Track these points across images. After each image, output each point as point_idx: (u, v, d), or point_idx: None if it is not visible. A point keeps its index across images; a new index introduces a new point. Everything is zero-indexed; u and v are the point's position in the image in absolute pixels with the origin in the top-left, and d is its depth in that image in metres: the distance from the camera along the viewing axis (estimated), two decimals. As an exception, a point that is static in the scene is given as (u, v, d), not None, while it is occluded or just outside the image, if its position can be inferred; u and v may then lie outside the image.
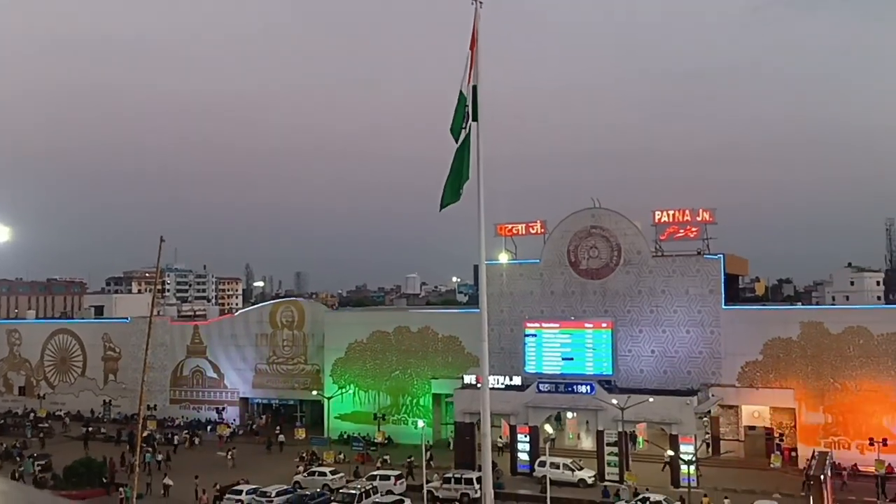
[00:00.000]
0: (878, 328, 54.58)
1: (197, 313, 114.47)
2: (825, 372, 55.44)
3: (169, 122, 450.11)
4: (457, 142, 15.10)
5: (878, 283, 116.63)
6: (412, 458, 54.71)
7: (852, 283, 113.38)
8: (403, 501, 46.02)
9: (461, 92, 15.06)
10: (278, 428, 70.06)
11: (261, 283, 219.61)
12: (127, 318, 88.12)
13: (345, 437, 67.38)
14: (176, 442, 66.92)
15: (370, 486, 48.51)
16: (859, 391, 54.35)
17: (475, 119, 15.07)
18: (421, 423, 54.10)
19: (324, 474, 52.98)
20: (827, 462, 42.89)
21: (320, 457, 59.72)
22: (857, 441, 53.56)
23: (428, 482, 47.65)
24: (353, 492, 46.95)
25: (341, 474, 53.46)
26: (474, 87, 15.11)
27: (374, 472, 52.73)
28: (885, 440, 51.31)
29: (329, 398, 68.47)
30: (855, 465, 52.30)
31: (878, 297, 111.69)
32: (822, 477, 38.86)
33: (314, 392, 71.13)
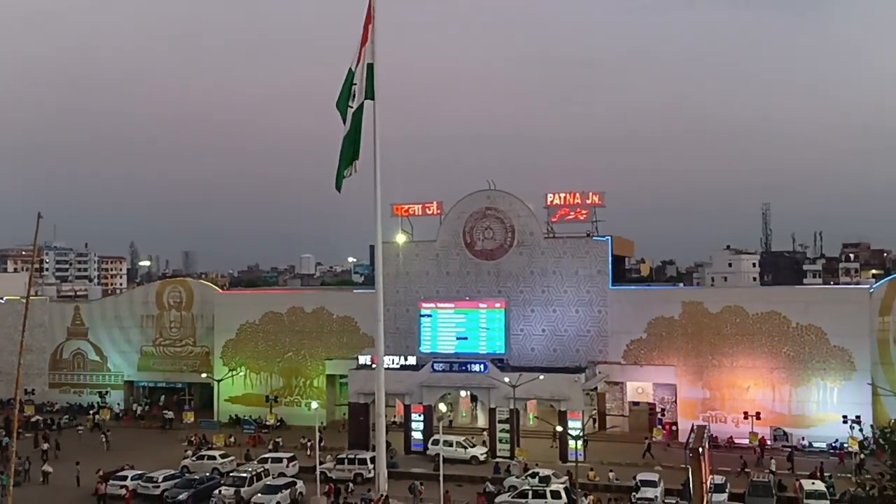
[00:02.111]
0: (753, 307, 57.70)
1: (78, 293, 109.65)
2: (704, 349, 58.24)
3: (49, 91, 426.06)
4: (344, 120, 15.01)
5: (753, 264, 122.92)
6: (306, 439, 54.53)
7: (730, 265, 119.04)
8: (296, 483, 45.69)
9: (350, 69, 14.94)
10: (167, 410, 68.23)
11: (147, 263, 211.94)
12: (1, 299, 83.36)
13: (235, 419, 66.30)
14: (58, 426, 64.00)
15: (261, 469, 47.92)
16: (735, 367, 57.41)
17: (371, 97, 14.99)
18: (315, 405, 53.73)
19: (213, 458, 51.88)
20: (705, 435, 45.06)
21: (210, 440, 58.53)
22: (732, 415, 56.60)
23: (321, 463, 47.42)
24: (244, 475, 46.21)
25: (232, 458, 52.54)
26: (370, 65, 15.00)
27: (266, 455, 52.15)
28: (758, 414, 54.47)
29: (219, 381, 67.04)
30: (731, 437, 55.30)
31: (754, 278, 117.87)
32: (700, 449, 40.75)
33: (203, 375, 69.46)
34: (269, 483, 45.67)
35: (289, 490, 44.65)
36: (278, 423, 65.15)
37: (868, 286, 62.64)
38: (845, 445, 51.23)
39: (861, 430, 50.49)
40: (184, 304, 74.23)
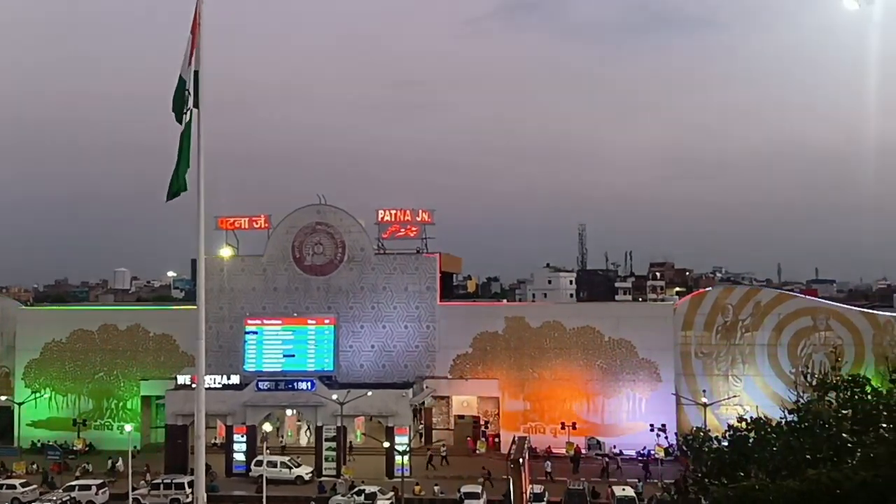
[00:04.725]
0: (570, 322, 60.70)
1: None
2: (525, 363, 60.52)
3: None
4: (179, 122, 14.43)
5: (570, 282, 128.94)
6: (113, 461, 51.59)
7: (550, 282, 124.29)
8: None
9: (180, 76, 14.36)
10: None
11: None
12: None
13: (39, 445, 61.39)
14: None
15: (67, 497, 44.86)
16: (554, 380, 60.06)
17: (196, 106, 14.43)
18: (128, 428, 50.71)
19: (13, 487, 47.92)
20: (525, 446, 46.74)
21: (9, 468, 53.90)
22: (551, 425, 59.09)
23: (134, 489, 44.84)
24: (48, 505, 43.01)
25: (34, 486, 48.70)
26: (196, 73, 14.46)
27: (73, 482, 48.72)
28: (574, 424, 57.19)
29: (20, 404, 61.83)
30: (549, 447, 57.63)
31: (571, 295, 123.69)
32: (520, 460, 42.20)
33: (3, 397, 63.81)
34: (75, 513, 42.69)
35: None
36: (87, 448, 60.99)
37: (672, 303, 67.58)
38: (652, 452, 54.75)
39: (666, 437, 54.20)
40: (-20, 321, 67.95)
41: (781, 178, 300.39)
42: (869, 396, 16.71)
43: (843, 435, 14.24)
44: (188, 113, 14.43)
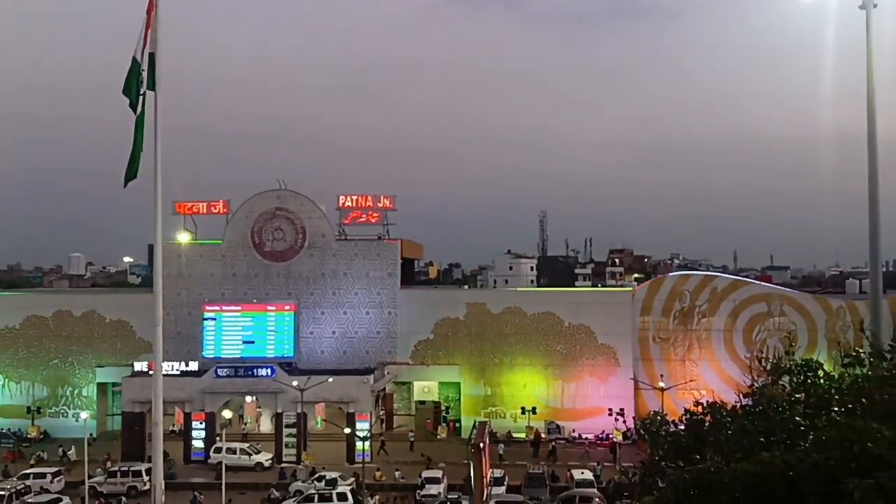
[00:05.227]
0: (530, 308, 61.13)
1: None
2: (486, 348, 60.85)
3: None
4: (134, 110, 14.17)
5: (531, 268, 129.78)
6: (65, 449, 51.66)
7: (511, 268, 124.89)
8: (61, 500, 42.43)
9: (134, 58, 14.08)
10: None
11: None
12: None
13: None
14: None
15: (21, 486, 44.12)
16: (514, 365, 60.51)
17: (152, 88, 14.19)
18: (84, 415, 49.95)
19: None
20: (486, 431, 46.98)
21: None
22: (511, 410, 59.58)
23: (90, 477, 44.29)
24: (1, 493, 42.38)
25: (-14, 476, 47.79)
26: (151, 55, 14.20)
27: (27, 471, 47.93)
28: (534, 409, 57.73)
29: (-29, 392, 60.55)
30: (509, 432, 58.12)
31: (532, 281, 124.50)
32: (481, 445, 42.41)
33: (-48, 385, 62.43)
34: (30, 501, 42.13)
35: (53, 508, 41.35)
36: (42, 436, 59.98)
37: (630, 289, 68.41)
38: (611, 436, 55.50)
39: (625, 421, 54.93)
40: (-72, 308, 66.18)
41: (738, 165, 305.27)
42: (821, 381, 17.02)
43: (796, 418, 14.51)
44: (143, 96, 14.19)
